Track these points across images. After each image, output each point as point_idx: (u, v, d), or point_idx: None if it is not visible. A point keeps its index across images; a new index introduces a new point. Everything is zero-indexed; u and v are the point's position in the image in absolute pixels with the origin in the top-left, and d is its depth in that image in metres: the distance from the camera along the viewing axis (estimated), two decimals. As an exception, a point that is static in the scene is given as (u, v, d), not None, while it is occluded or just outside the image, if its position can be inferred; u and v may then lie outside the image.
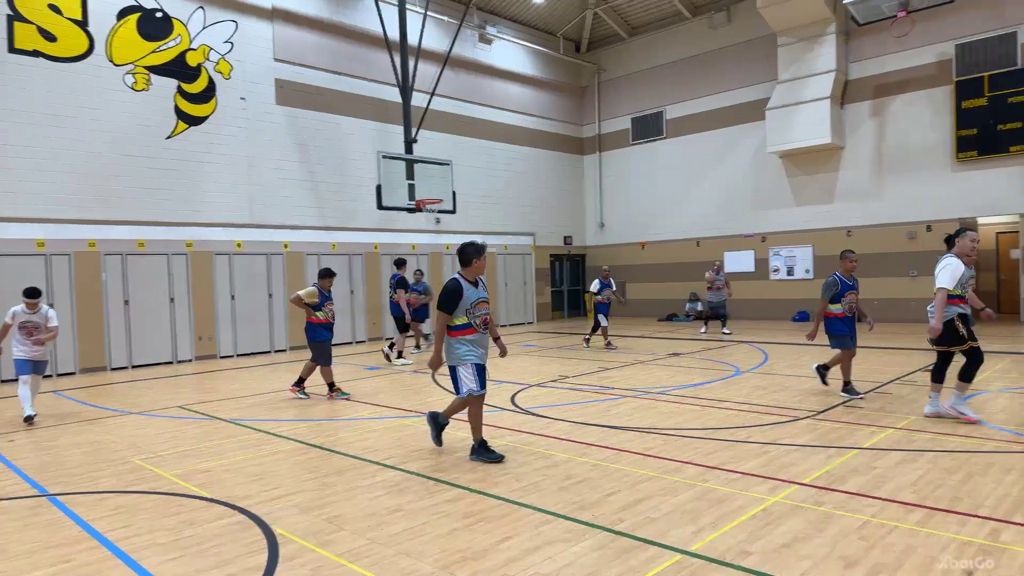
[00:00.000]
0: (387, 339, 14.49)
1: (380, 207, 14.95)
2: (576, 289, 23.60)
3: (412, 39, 16.48)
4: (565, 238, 22.84)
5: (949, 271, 6.23)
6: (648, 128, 21.73)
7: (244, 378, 11.42)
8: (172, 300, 13.79)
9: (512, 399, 8.38)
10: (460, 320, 5.56)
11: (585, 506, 4.44)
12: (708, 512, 4.26)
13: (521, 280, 21.05)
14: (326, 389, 8.97)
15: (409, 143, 16.18)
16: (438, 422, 6.01)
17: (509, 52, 20.77)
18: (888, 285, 16.80)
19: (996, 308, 17.82)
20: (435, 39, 18.13)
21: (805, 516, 4.13)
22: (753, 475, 4.98)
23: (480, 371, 5.60)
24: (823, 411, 7.07)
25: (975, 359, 6.29)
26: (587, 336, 14.50)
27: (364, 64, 17.06)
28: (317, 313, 8.77)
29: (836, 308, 7.65)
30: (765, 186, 19.01)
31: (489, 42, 20.10)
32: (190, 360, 13.96)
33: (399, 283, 12.64)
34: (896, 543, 3.69)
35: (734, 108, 19.52)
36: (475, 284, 5.69)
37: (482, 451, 5.62)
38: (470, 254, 5.70)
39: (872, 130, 17.10)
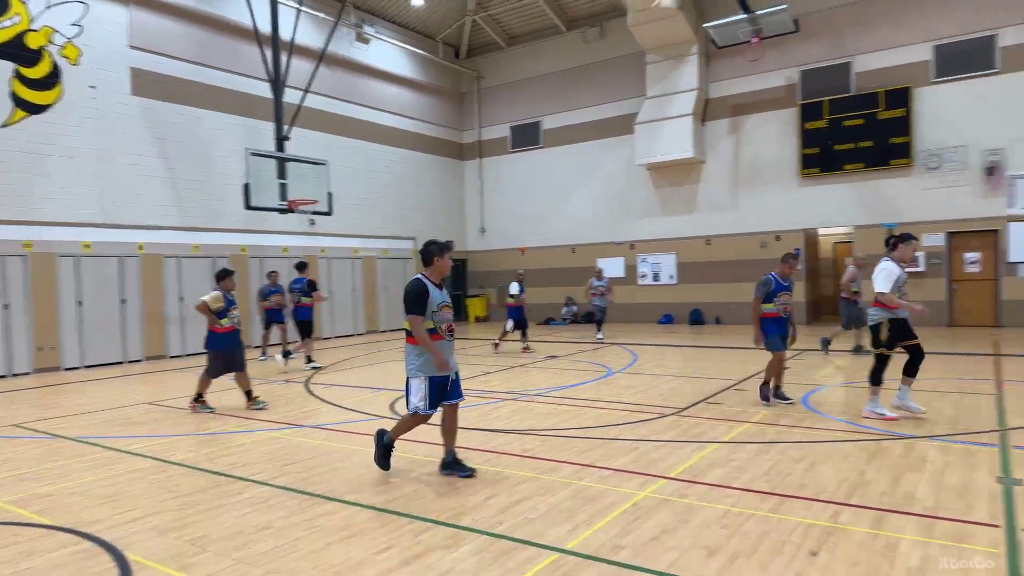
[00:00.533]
0: (264, 346, 13.72)
1: (248, 207, 14.22)
2: (457, 294, 23.61)
3: (284, 34, 15.82)
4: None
5: (885, 275, 6.47)
6: (527, 137, 22.20)
7: (93, 391, 10.42)
8: (6, 307, 12.35)
9: (391, 406, 8.24)
10: (426, 325, 5.03)
11: (465, 511, 4.44)
12: (583, 510, 4.39)
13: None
14: (243, 399, 8.30)
15: (281, 141, 15.51)
16: (383, 442, 5.31)
17: (387, 53, 20.48)
18: (743, 290, 18.18)
19: (834, 312, 19.77)
20: (309, 35, 17.52)
21: (672, 509, 4.37)
22: (624, 471, 5.20)
23: (435, 387, 5.05)
24: (686, 408, 7.52)
25: (915, 356, 6.61)
26: (496, 341, 14.16)
27: (231, 57, 16.17)
28: (222, 320, 8.01)
29: (769, 308, 7.42)
30: (634, 196, 19.98)
31: (366, 41, 19.71)
32: (28, 373, 12.55)
33: (310, 286, 12.31)
34: (752, 530, 3.99)
35: (607, 121, 20.37)
36: (439, 286, 5.16)
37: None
38: (432, 252, 5.12)
39: (729, 146, 18.46)
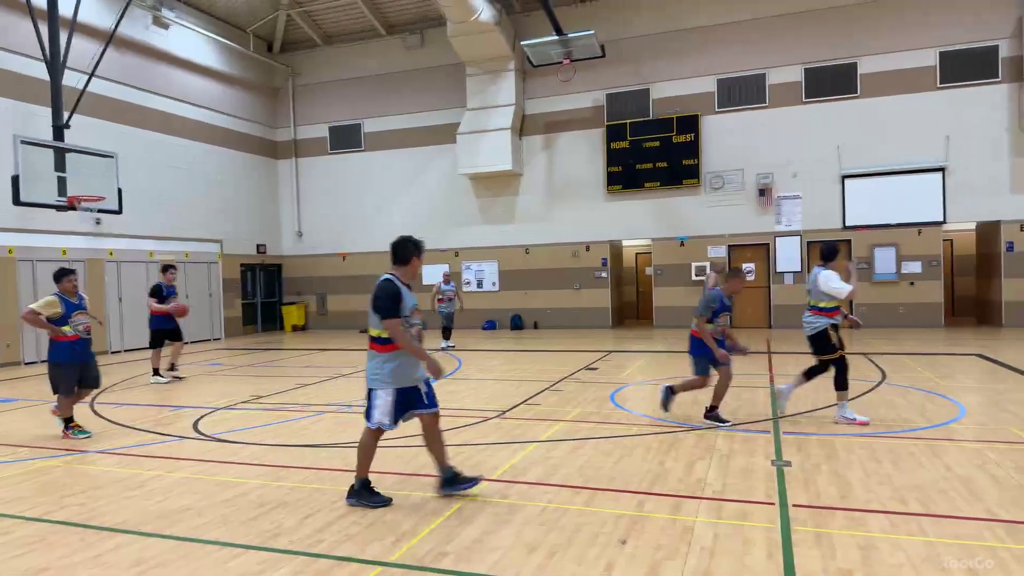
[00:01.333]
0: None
1: (17, 202, 12.32)
2: (272, 301, 22.28)
3: (64, 9, 13.95)
4: (258, 246, 21.44)
5: (835, 279, 6.56)
6: (346, 139, 21.60)
7: None
8: None
9: (195, 426, 7.55)
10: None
11: (281, 532, 4.19)
12: (406, 520, 4.34)
13: (206, 291, 19.14)
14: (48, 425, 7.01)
15: (59, 128, 13.63)
16: (359, 487, 4.68)
17: (190, 41, 18.86)
18: (557, 296, 19.19)
19: (635, 317, 21.53)
20: (96, 14, 15.61)
21: (494, 510, 4.46)
22: (448, 478, 5.22)
23: (400, 400, 4.60)
24: (508, 410, 7.75)
25: (842, 367, 6.65)
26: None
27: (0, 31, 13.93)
28: (64, 328, 6.85)
29: (708, 328, 6.67)
30: (457, 204, 20.25)
31: (165, 26, 18.00)
32: None
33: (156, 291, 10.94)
34: (568, 524, 4.19)
35: (430, 129, 20.44)
36: (408, 288, 4.75)
37: (364, 493, 4.66)
38: (410, 251, 4.75)
39: (544, 161, 19.40)
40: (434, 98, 20.35)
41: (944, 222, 16.10)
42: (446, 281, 15.31)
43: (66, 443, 6.81)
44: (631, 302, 21.83)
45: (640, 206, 18.49)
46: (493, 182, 19.70)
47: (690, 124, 17.77)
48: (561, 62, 17.20)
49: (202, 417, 7.94)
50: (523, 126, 19.46)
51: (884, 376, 9.37)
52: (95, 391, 8.01)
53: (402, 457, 5.87)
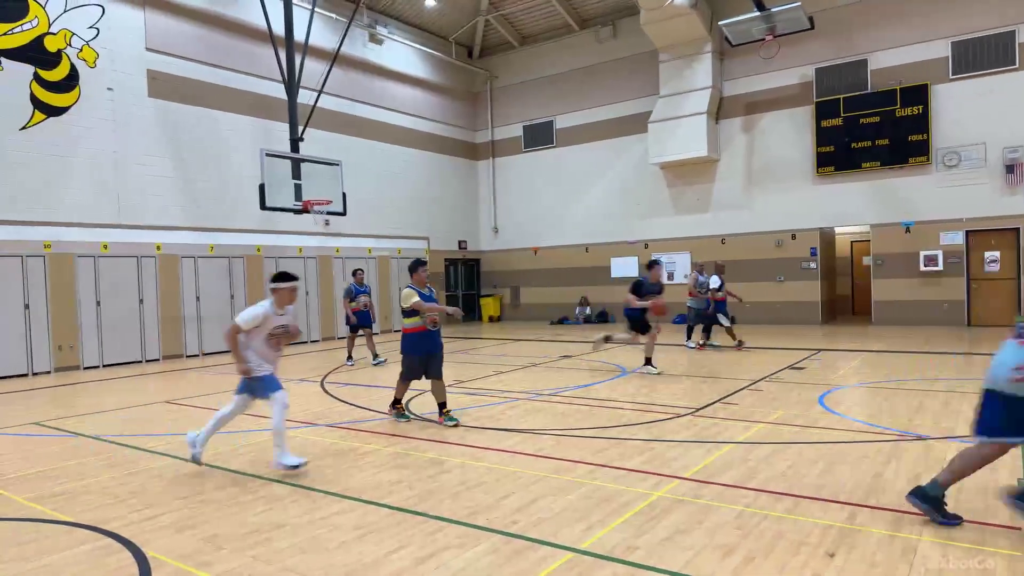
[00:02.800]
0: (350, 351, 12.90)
1: (263, 207, 14.32)
2: (471, 293, 23.65)
3: (299, 35, 15.93)
4: (460, 242, 22.85)
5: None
6: (539, 136, 22.18)
7: (111, 390, 10.55)
8: (27, 307, 12.53)
9: (407, 405, 8.25)
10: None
11: (479, 510, 4.45)
12: (597, 509, 4.38)
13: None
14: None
15: (295, 141, 15.61)
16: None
17: (400, 54, 20.55)
18: (757, 289, 18.05)
19: (850, 312, 19.57)
20: (322, 36, 17.63)
21: (686, 509, 4.34)
22: (638, 471, 5.18)
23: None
24: (700, 408, 7.48)
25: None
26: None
27: (246, 58, 16.30)
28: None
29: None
30: (647, 195, 19.90)
31: (380, 42, 19.79)
32: (48, 372, 12.73)
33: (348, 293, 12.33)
34: (767, 530, 3.95)
35: (619, 120, 20.30)
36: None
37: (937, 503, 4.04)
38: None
39: (743, 145, 18.33)
40: (625, 89, 20.15)
41: None
42: (701, 270, 13.27)
43: (303, 416, 7.81)
44: (845, 295, 19.90)
45: (856, 188, 16.76)
46: (686, 170, 19.05)
47: (917, 95, 15.73)
48: (763, 39, 16.12)
49: (413, 398, 8.66)
50: (720, 109, 18.56)
51: None
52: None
53: (591, 447, 5.93)
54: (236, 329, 5.41)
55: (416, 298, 6.88)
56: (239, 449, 6.36)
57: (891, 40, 16.18)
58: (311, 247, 17.64)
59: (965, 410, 6.92)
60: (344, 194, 15.84)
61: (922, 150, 15.72)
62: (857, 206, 16.77)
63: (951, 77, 15.52)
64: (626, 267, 20.34)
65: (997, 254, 15.26)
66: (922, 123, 15.68)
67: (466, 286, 23.55)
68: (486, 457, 5.76)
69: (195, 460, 5.62)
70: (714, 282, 12.96)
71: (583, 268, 21.13)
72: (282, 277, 5.72)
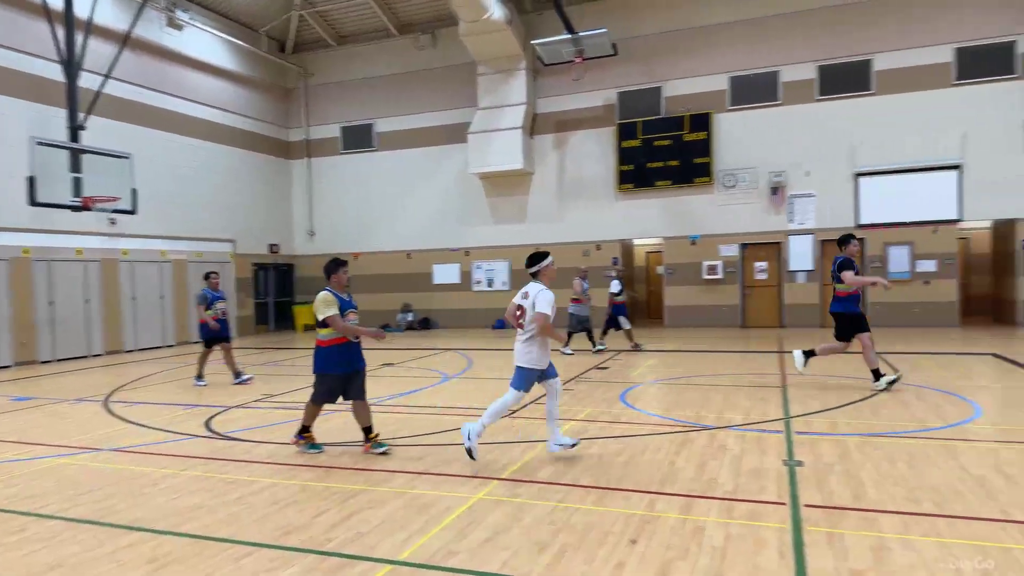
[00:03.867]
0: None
1: (33, 203, 12.48)
2: (285, 301, 22.41)
3: (82, 11, 14.10)
4: (271, 246, 21.58)
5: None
6: (359, 139, 21.68)
7: None
8: None
9: (207, 424, 7.61)
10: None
11: (291, 531, 4.21)
12: (417, 519, 4.35)
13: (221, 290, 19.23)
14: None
15: (75, 130, 13.80)
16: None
17: (204, 42, 19.01)
18: (565, 296, 19.11)
19: (647, 316, 21.45)
20: (112, 15, 15.77)
21: (504, 509, 4.47)
22: (458, 476, 5.23)
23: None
24: (518, 409, 7.74)
25: None
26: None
27: (15, 32, 14.09)
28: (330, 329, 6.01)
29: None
30: (468, 204, 20.28)
31: (179, 27, 18.14)
32: None
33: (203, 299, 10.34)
34: (579, 523, 4.19)
35: (442, 128, 20.47)
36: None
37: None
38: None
39: (555, 160, 19.37)
40: (446, 98, 20.38)
41: (960, 220, 15.91)
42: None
43: (81, 441, 6.88)
44: (642, 301, 21.74)
45: (651, 205, 18.41)
46: (504, 181, 19.70)
47: (702, 122, 17.68)
48: (572, 61, 17.18)
49: (214, 416, 8.00)
50: (534, 125, 19.45)
51: (899, 375, 9.26)
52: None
53: (412, 455, 5.89)
54: (548, 318, 5.43)
55: (334, 309, 5.79)
56: (9, 480, 5.45)
57: (682, 71, 18.04)
58: (93, 248, 15.61)
59: (742, 402, 7.86)
60: (134, 190, 14.29)
61: (706, 172, 17.69)
62: (653, 220, 18.43)
63: (729, 108, 17.66)
64: (448, 273, 20.54)
65: (765, 264, 17.59)
66: (706, 147, 17.65)
67: (279, 292, 22.27)
68: (298, 474, 5.48)
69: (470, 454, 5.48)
70: (615, 286, 13.35)
71: (406, 274, 20.98)
72: (538, 258, 5.89)
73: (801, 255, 17.14)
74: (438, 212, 20.61)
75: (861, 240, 16.49)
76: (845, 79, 16.67)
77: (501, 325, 19.74)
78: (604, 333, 13.62)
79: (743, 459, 5.49)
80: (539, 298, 5.48)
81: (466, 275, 20.44)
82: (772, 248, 17.49)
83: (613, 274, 13.84)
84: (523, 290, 5.74)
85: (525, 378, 5.55)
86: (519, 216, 19.78)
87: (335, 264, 6.11)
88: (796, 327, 16.94)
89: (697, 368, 10.77)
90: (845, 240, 8.68)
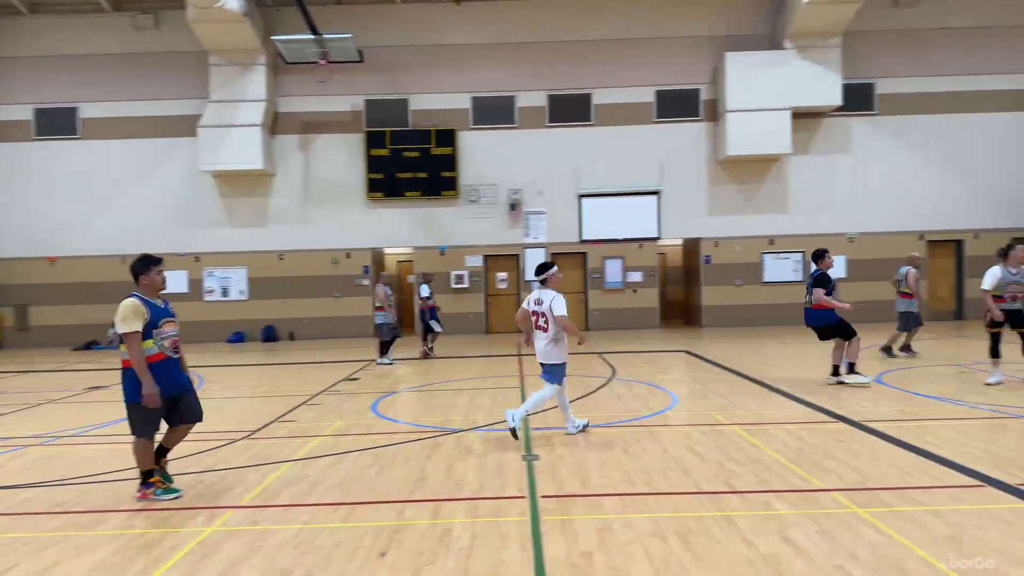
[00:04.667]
0: None
1: None
2: (-53, 315, 18.13)
3: None
4: (-72, 249, 17.36)
5: (990, 276, 8.26)
6: (59, 124, 18.46)
7: None
8: None
9: None
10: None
11: (-38, 599, 3.42)
12: (137, 561, 3.82)
13: None
14: None
15: None
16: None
17: None
18: (316, 305, 18.47)
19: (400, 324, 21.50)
20: None
21: (242, 539, 4.13)
22: (187, 509, 4.72)
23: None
24: (258, 429, 7.23)
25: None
26: None
27: None
28: (147, 344, 4.92)
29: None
30: (198, 205, 18.44)
31: None
32: None
33: None
34: (326, 542, 4.03)
35: (165, 119, 18.34)
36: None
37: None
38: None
39: (300, 162, 18.56)
40: (171, 86, 18.33)
41: (659, 238, 18.64)
42: (385, 282, 12.89)
43: None
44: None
45: (402, 214, 18.57)
46: (242, 181, 18.33)
47: (448, 138, 18.32)
48: (317, 62, 16.65)
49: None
50: (276, 124, 18.43)
51: (614, 372, 10.54)
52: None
53: (126, 492, 5.16)
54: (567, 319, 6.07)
55: (138, 323, 4.75)
56: None
57: (428, 86, 18.51)
58: None
59: (486, 403, 8.27)
60: None
61: (452, 185, 18.36)
62: (403, 230, 18.60)
63: (472, 126, 18.56)
64: (176, 282, 18.42)
65: (505, 274, 18.79)
66: (452, 162, 18.32)
67: (-58, 306, 17.98)
68: (-26, 526, 4.48)
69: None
70: (424, 290, 13.24)
71: (119, 283, 18.21)
72: (545, 267, 6.40)
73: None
74: (161, 212, 18.41)
75: (584, 254, 18.48)
76: (570, 109, 18.55)
77: (239, 339, 18.28)
78: (424, 339, 13.47)
79: (487, 458, 5.78)
80: (555, 303, 6.16)
81: (196, 283, 18.56)
82: (511, 260, 18.74)
83: (422, 279, 13.77)
84: (533, 296, 6.39)
85: (559, 372, 6.31)
86: (259, 220, 18.55)
87: (146, 262, 4.98)
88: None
89: (445, 374, 11.09)
90: (820, 255, 8.72)
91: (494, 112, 18.54)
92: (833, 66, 17.19)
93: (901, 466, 5.23)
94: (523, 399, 8.52)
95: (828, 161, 18.29)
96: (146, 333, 4.79)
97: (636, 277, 18.60)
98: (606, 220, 18.50)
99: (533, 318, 6.38)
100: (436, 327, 13.42)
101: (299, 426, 7.36)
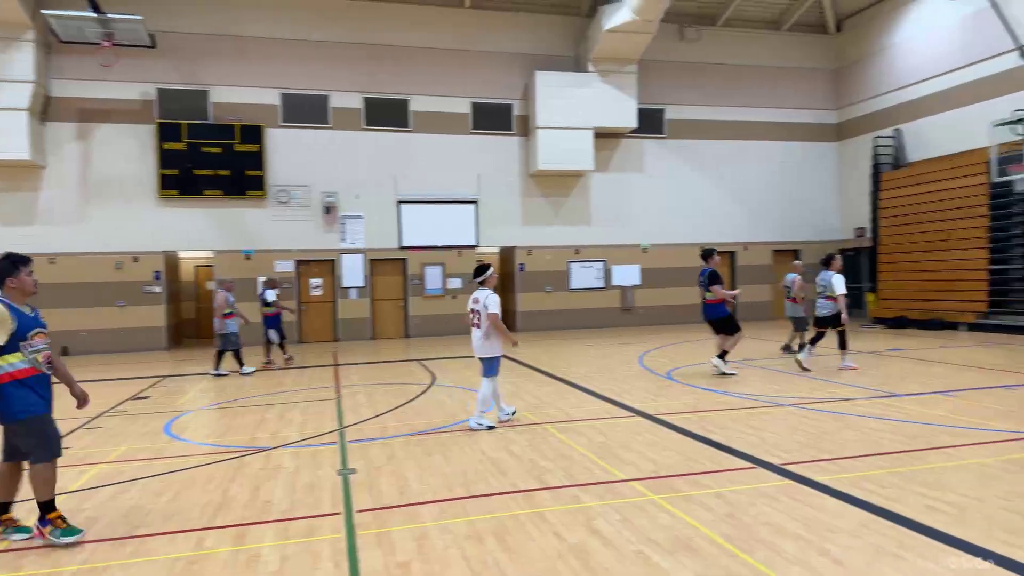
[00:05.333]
0: None
1: None
2: None
3: None
4: None
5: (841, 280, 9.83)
6: None
7: None
8: None
9: None
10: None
11: None
12: None
13: None
14: None
15: None
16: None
17: None
18: (97, 315, 16.37)
19: (196, 336, 19.78)
20: None
21: (0, 590, 3.53)
22: (-76, 562, 3.93)
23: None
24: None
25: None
26: None
27: None
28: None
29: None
30: (-58, 198, 15.56)
31: None
32: None
33: None
34: (108, 584, 3.57)
35: None
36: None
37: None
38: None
39: (78, 154, 16.38)
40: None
41: (477, 246, 19.06)
42: (229, 288, 12.15)
43: None
44: (191, 319, 19.98)
45: (200, 214, 17.07)
46: (3, 173, 15.76)
47: (254, 134, 17.22)
48: (100, 44, 14.82)
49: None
50: (48, 109, 16.10)
51: (434, 379, 10.57)
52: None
53: None
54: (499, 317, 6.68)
55: (3, 333, 4.08)
56: None
57: (232, 78, 17.27)
58: None
59: (297, 418, 7.87)
60: None
61: (259, 185, 17.27)
62: (202, 231, 17.12)
63: (282, 124, 17.63)
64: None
65: (320, 280, 18.05)
66: (259, 161, 17.24)
67: None
68: None
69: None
70: (269, 295, 12.84)
71: None
72: (483, 269, 6.95)
73: (353, 272, 18.12)
74: None
75: (404, 260, 18.36)
76: (388, 113, 18.34)
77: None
78: (281, 346, 13.12)
79: (299, 475, 5.49)
80: (489, 301, 6.75)
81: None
82: (326, 265, 18.05)
83: (267, 282, 13.48)
84: (473, 296, 6.94)
85: (495, 365, 6.93)
86: (25, 218, 16.06)
87: (13, 261, 4.32)
88: (350, 340, 17.81)
89: (253, 388, 10.38)
90: (709, 254, 9.85)
91: (306, 111, 17.80)
92: (630, 91, 18.78)
93: (689, 454, 5.81)
94: (339, 411, 8.24)
95: (625, 178, 19.94)
96: (11, 346, 4.14)
97: (456, 284, 18.82)
98: (425, 227, 18.53)
99: (470, 315, 6.95)
100: (274, 337, 12.96)
101: (73, 454, 6.44)
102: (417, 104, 18.49)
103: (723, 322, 9.83)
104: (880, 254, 18.72)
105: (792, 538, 3.91)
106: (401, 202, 18.36)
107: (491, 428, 6.94)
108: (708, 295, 9.71)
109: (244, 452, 6.32)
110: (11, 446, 4.30)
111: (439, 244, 18.68)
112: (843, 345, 10.18)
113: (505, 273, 20.60)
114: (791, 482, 4.95)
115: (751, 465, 5.43)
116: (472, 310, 6.92)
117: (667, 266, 19.97)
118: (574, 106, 18.37)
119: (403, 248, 18.39)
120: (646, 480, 5.10)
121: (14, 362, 4.16)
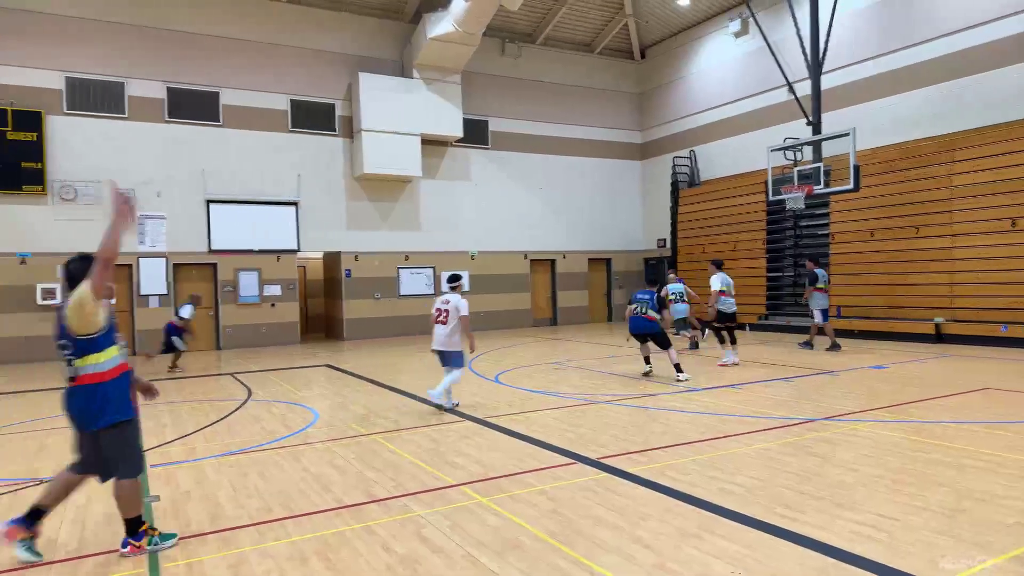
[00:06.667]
0: None
1: None
2: None
3: None
4: None
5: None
6: None
7: None
8: None
9: None
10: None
11: None
12: None
13: None
14: None
15: None
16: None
17: None
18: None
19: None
20: None
21: None
22: None
23: None
24: None
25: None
26: None
27: None
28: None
29: None
30: None
31: None
32: None
33: None
34: None
35: None
36: None
37: None
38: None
39: None
40: None
41: (298, 250, 18.19)
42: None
43: None
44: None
45: (-43, 212, 14.56)
46: None
47: (32, 121, 15.05)
48: None
49: None
50: None
51: (250, 393, 9.91)
52: None
53: None
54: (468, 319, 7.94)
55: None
56: None
57: (4, 57, 14.98)
58: None
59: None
60: None
61: (38, 179, 15.11)
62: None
63: (66, 111, 15.58)
64: None
65: (114, 287, 16.12)
66: (37, 151, 15.09)
67: None
68: None
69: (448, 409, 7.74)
70: (187, 311, 12.86)
71: None
72: (456, 277, 8.28)
73: (154, 278, 16.45)
74: None
75: (214, 265, 17.02)
76: (195, 106, 16.94)
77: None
78: (158, 355, 13.19)
79: (91, 508, 4.86)
80: (461, 304, 7.92)
81: None
82: (123, 270, 16.20)
83: (192, 298, 13.41)
84: (443, 298, 8.07)
85: (462, 357, 7.99)
86: None
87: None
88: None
89: (25, 412, 9.02)
90: (655, 282, 10.93)
91: (97, 98, 15.92)
92: (455, 100, 19.05)
93: (515, 454, 5.99)
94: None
95: (453, 186, 20.18)
96: (109, 338, 3.91)
97: (274, 290, 17.82)
98: (239, 229, 17.34)
99: (435, 313, 8.01)
100: (181, 346, 12.83)
101: None
102: (229, 97, 17.30)
103: (659, 337, 10.22)
104: (678, 263, 20.68)
105: (609, 528, 4.17)
106: (211, 201, 17.03)
107: (456, 406, 8.07)
108: (652, 313, 10.08)
109: (19, 485, 5.48)
110: (92, 456, 3.84)
111: (255, 248, 17.58)
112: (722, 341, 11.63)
113: (330, 278, 19.93)
114: (607, 474, 5.28)
115: (571, 461, 5.72)
116: (440, 309, 7.98)
117: (494, 273, 20.49)
118: (400, 111, 18.26)
119: (213, 251, 17.06)
120: (475, 483, 5.17)
121: (115, 356, 3.86)
